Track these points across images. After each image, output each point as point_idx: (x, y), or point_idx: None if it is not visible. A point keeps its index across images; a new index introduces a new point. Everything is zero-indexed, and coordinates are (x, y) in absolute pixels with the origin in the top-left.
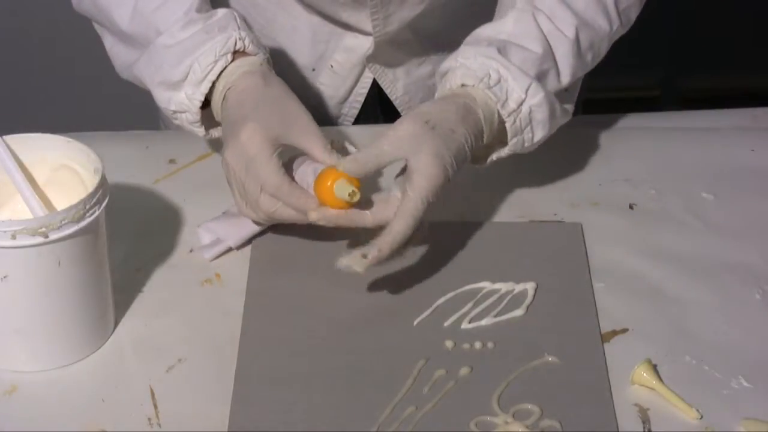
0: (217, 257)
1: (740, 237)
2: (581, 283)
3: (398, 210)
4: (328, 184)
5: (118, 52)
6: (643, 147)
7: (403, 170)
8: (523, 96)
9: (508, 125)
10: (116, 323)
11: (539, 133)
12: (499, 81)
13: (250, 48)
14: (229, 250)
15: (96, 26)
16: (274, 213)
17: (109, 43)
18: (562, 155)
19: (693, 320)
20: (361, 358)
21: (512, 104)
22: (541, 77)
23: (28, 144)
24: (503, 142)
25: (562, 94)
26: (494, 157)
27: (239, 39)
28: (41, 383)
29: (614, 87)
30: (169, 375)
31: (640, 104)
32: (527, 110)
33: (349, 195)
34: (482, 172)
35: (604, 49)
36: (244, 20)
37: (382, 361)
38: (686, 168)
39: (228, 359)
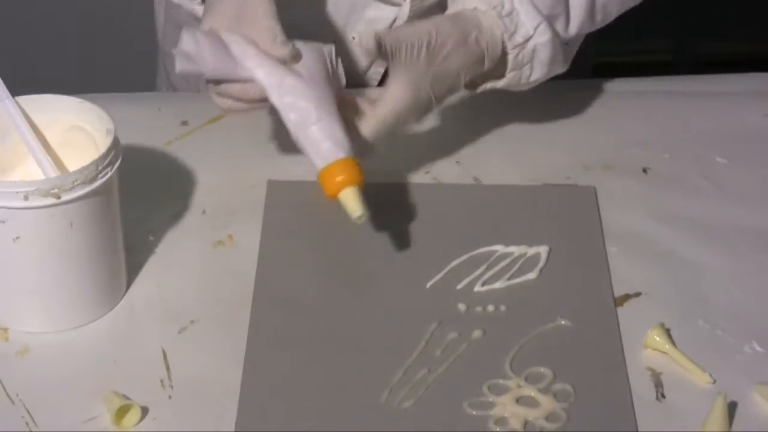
0: (187, 74)
1: (754, 201)
2: (594, 246)
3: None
4: (338, 179)
5: None
6: (656, 111)
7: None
8: (531, 32)
9: (510, 57)
10: (128, 285)
11: (537, 73)
12: (511, 12)
13: None
14: (201, 75)
15: None
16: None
17: None
18: (575, 119)
19: (706, 284)
20: (373, 321)
21: (519, 38)
22: (551, 19)
23: (40, 105)
24: (500, 74)
25: (565, 45)
26: (488, 86)
27: None
28: (53, 344)
29: (627, 51)
30: (181, 336)
31: (652, 69)
32: (532, 47)
33: (357, 217)
34: (494, 135)
35: (614, 14)
36: None
37: (395, 323)
38: (700, 132)
39: (240, 321)
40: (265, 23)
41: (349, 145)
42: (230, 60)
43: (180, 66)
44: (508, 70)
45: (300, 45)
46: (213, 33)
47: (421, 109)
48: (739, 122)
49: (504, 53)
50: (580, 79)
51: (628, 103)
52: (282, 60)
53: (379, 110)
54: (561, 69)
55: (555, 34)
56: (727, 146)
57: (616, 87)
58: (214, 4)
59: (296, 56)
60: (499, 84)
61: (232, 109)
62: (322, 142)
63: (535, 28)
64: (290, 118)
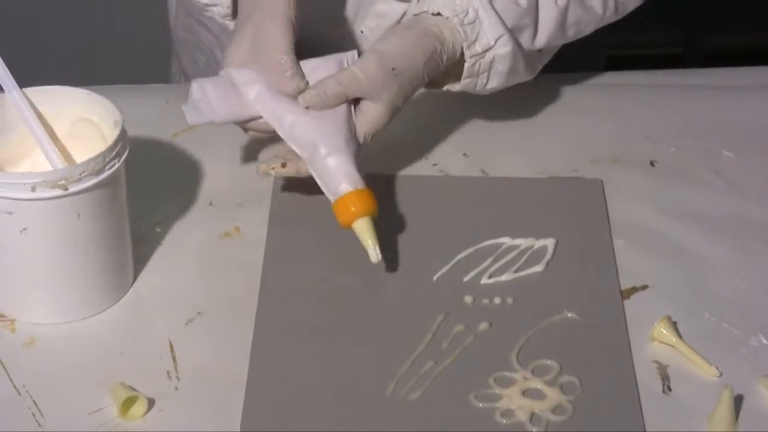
0: (197, 125)
1: (761, 195)
2: (601, 239)
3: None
4: (352, 209)
5: None
6: (664, 104)
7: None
8: (492, 44)
9: (466, 66)
10: (135, 276)
11: (493, 83)
12: (474, 21)
13: None
14: (212, 123)
15: None
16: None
17: None
18: (582, 112)
19: (713, 278)
20: (380, 313)
21: (478, 48)
22: (516, 31)
23: (47, 97)
24: (458, 76)
25: (533, 55)
26: (446, 88)
27: None
28: (60, 336)
29: (635, 44)
30: (188, 328)
31: (660, 62)
32: (490, 58)
33: (371, 250)
34: (502, 128)
35: (589, 30)
36: None
37: (401, 315)
38: (707, 125)
39: (247, 312)
40: (276, 56)
41: (357, 176)
42: (239, 102)
43: (190, 119)
44: (463, 77)
45: (317, 63)
46: (224, 74)
47: (392, 117)
48: (747, 116)
49: (462, 60)
50: (586, 72)
51: (636, 97)
52: (292, 95)
53: (358, 130)
54: (527, 77)
55: (517, 46)
56: (734, 140)
57: (624, 80)
58: (235, 34)
59: (304, 90)
60: (455, 88)
61: (257, 138)
62: (331, 176)
63: (497, 40)
64: (300, 153)
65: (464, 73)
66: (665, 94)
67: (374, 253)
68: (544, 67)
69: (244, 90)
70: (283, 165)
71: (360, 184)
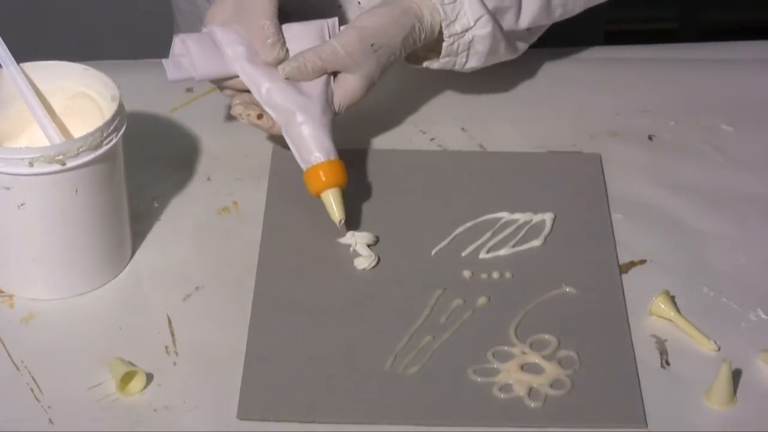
0: (177, 81)
1: (759, 169)
2: (599, 214)
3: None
4: (323, 179)
5: None
6: (662, 78)
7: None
8: (471, 24)
9: (444, 45)
10: (133, 252)
11: (473, 62)
12: (455, 1)
13: None
14: (191, 79)
15: None
16: None
17: None
18: (580, 86)
19: (711, 252)
20: (378, 287)
21: (457, 27)
22: (497, 12)
23: (45, 72)
24: (440, 53)
25: (519, 33)
26: (425, 65)
27: None
28: (58, 311)
29: (633, 19)
30: (186, 303)
31: (658, 36)
32: (469, 38)
33: (338, 222)
34: (500, 102)
35: (578, 10)
36: None
37: (400, 290)
38: (706, 100)
39: (245, 287)
40: (259, 22)
41: (331, 146)
42: (220, 60)
43: (170, 74)
44: (441, 56)
45: (298, 29)
46: (206, 30)
47: (369, 90)
48: (745, 90)
49: (441, 39)
50: (585, 46)
51: (634, 71)
52: (271, 64)
53: (336, 100)
54: (509, 56)
55: (498, 27)
56: (732, 114)
57: (622, 54)
58: None
59: (283, 59)
60: (433, 65)
61: (248, 121)
62: (305, 144)
63: (476, 20)
64: (276, 118)
65: (443, 52)
66: (664, 69)
67: (341, 226)
68: (542, 41)
69: (225, 49)
70: (259, 116)
71: (333, 155)
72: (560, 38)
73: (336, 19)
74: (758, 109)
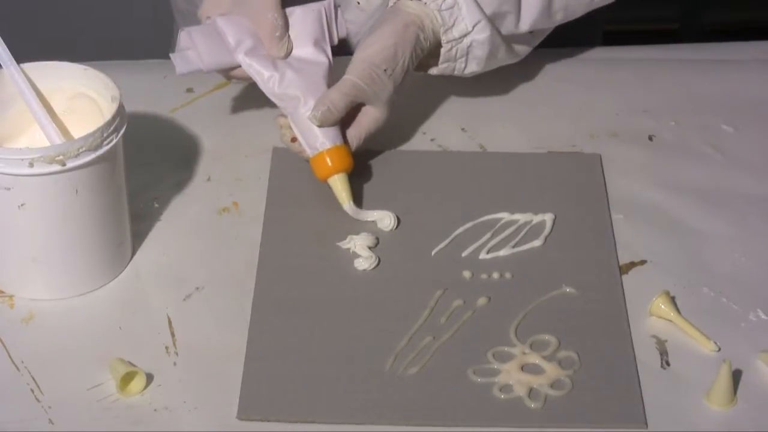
0: (185, 74)
1: (759, 169)
2: (600, 214)
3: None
4: (330, 165)
5: None
6: (662, 79)
7: None
8: (469, 29)
9: (443, 50)
10: (134, 252)
11: (472, 67)
12: (452, 7)
13: None
14: (199, 71)
15: None
16: None
17: None
18: (581, 87)
19: (711, 252)
20: (378, 288)
21: (455, 33)
22: (496, 17)
23: (45, 72)
24: (438, 58)
25: (519, 36)
26: (430, 71)
27: None
28: (59, 311)
29: (633, 19)
30: (186, 303)
31: (658, 37)
32: (468, 43)
33: (346, 206)
34: (500, 103)
35: (579, 13)
36: None
37: (400, 290)
38: (706, 100)
39: (245, 288)
40: (267, 14)
41: (337, 132)
42: (225, 50)
43: (179, 68)
44: (440, 62)
45: (298, 14)
46: (210, 22)
47: (390, 111)
48: (745, 90)
49: (439, 45)
50: (585, 47)
51: (634, 71)
52: (277, 57)
53: (358, 131)
54: (510, 60)
55: (495, 32)
56: (732, 114)
57: (623, 55)
58: None
59: (289, 52)
60: (433, 71)
61: (283, 140)
62: (311, 131)
63: (474, 25)
64: (283, 106)
65: (441, 58)
66: (664, 69)
67: (349, 208)
68: (542, 41)
69: (229, 39)
70: (293, 140)
71: (338, 140)
72: (560, 38)
73: (331, 1)
74: (758, 109)
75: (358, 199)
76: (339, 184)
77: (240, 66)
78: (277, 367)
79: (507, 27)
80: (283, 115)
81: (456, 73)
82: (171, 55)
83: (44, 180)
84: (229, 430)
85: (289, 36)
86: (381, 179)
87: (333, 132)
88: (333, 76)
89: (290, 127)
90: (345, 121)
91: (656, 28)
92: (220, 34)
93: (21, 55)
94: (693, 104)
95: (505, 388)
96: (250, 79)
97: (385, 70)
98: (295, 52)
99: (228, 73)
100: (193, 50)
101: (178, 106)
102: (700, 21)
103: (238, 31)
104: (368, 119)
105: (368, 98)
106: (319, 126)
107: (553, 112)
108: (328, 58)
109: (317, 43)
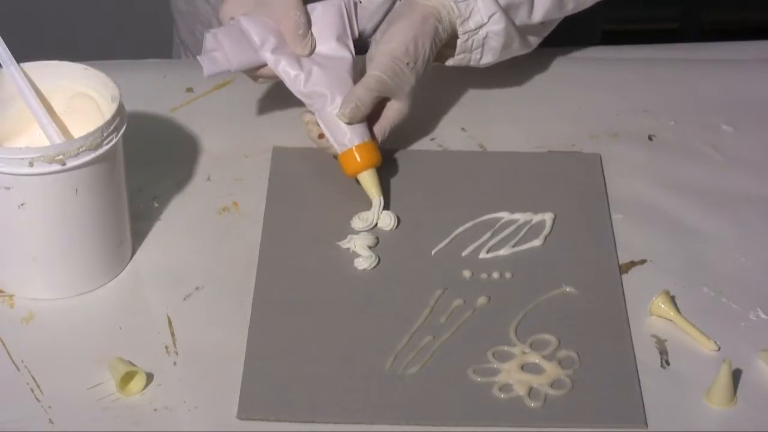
0: (213, 75)
1: (759, 169)
2: (599, 214)
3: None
4: (359, 160)
5: None
6: (662, 78)
7: None
8: (485, 20)
9: (459, 41)
10: (134, 251)
11: (488, 58)
12: None
13: None
14: (227, 72)
15: None
16: None
17: None
18: (580, 86)
19: (711, 252)
20: (378, 287)
21: (471, 24)
22: (510, 8)
23: (45, 72)
24: (454, 49)
25: (532, 27)
26: (447, 63)
27: None
28: (58, 311)
29: (633, 19)
30: (186, 303)
31: (658, 37)
32: (483, 34)
33: (377, 200)
34: (500, 102)
35: (589, 3)
36: None
37: (400, 290)
38: (706, 100)
39: (245, 287)
40: (290, 13)
41: (364, 128)
42: (251, 50)
43: (206, 70)
44: (456, 53)
45: (320, 9)
46: (233, 22)
47: (412, 102)
48: (745, 90)
49: (455, 36)
50: (585, 47)
51: (634, 71)
52: (301, 55)
53: (384, 125)
54: (523, 51)
55: (510, 23)
56: (733, 114)
57: (622, 54)
58: None
59: (313, 50)
60: (449, 62)
61: (310, 137)
62: (339, 127)
63: (490, 17)
64: (310, 104)
65: (457, 49)
66: (664, 69)
67: (378, 202)
68: (542, 41)
69: (254, 38)
70: (320, 136)
71: (366, 136)
72: (559, 38)
73: None
74: (758, 109)
75: (358, 199)
76: (369, 180)
77: (266, 65)
78: (277, 367)
79: (520, 18)
80: (309, 112)
81: (472, 63)
82: (198, 57)
83: (44, 179)
84: (229, 429)
85: (311, 33)
86: (381, 179)
87: (360, 128)
88: (357, 70)
89: (316, 124)
90: (369, 115)
91: (656, 27)
92: (245, 34)
93: (21, 55)
94: (693, 104)
95: (505, 387)
96: (277, 77)
97: (407, 64)
98: (319, 48)
99: (254, 72)
100: (220, 51)
101: (178, 106)
102: (700, 21)
103: (262, 30)
104: (393, 113)
105: (392, 92)
106: (348, 123)
107: (553, 112)
108: (351, 53)
109: (339, 38)
